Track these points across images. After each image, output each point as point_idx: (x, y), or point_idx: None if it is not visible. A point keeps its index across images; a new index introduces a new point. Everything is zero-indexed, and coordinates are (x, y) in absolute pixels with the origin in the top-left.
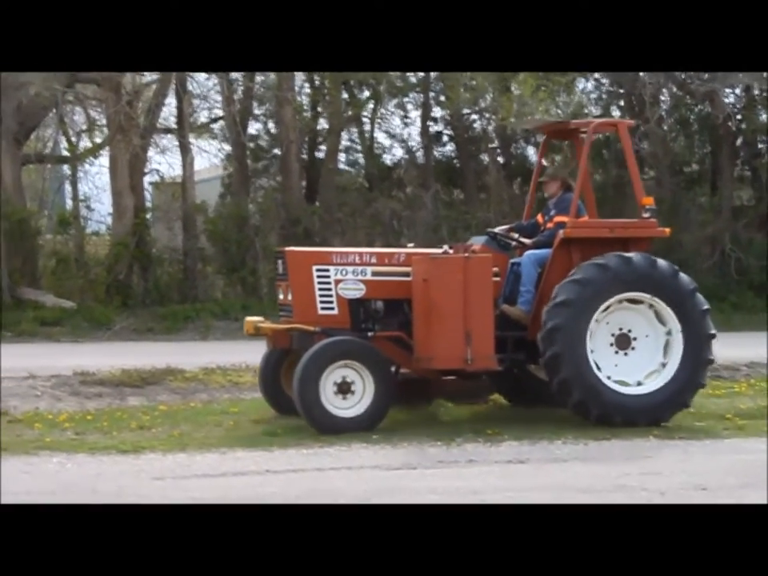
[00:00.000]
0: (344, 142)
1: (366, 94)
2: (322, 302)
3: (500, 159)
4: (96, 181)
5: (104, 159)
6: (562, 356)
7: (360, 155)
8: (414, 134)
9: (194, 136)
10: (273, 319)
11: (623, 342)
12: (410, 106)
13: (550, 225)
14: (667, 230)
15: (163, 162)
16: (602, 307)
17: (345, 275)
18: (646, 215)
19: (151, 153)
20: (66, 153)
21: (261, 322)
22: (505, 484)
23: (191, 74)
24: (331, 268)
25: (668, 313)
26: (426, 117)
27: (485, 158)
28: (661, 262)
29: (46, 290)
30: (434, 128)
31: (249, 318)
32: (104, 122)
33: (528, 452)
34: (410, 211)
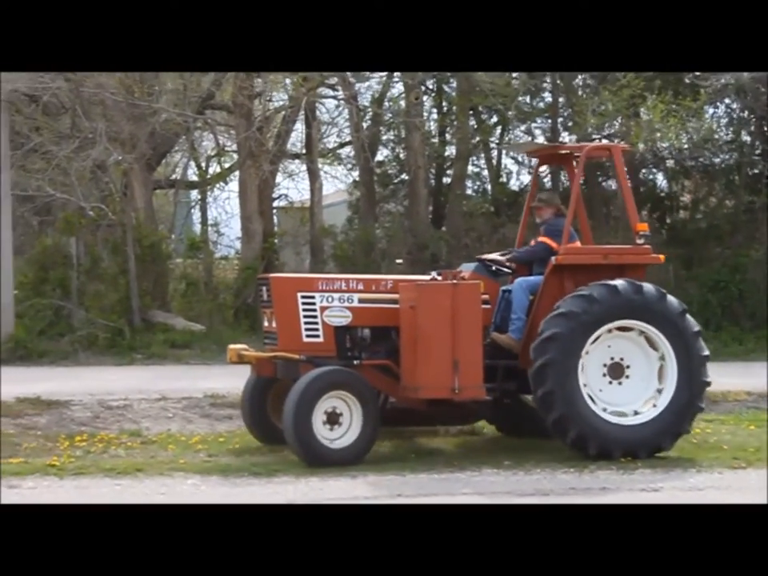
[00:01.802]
0: (471, 168)
1: (494, 119)
2: (307, 329)
3: (628, 185)
4: (225, 206)
5: (233, 184)
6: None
7: (487, 181)
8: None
9: (322, 161)
10: (257, 347)
11: (616, 371)
12: (537, 132)
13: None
14: (662, 256)
15: (291, 186)
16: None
17: (331, 302)
18: (640, 241)
19: (279, 178)
20: (195, 178)
21: (244, 349)
22: None
23: (320, 99)
24: (317, 295)
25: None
26: (553, 142)
27: (612, 184)
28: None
29: (175, 313)
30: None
31: (232, 346)
32: (233, 147)
33: (662, 480)
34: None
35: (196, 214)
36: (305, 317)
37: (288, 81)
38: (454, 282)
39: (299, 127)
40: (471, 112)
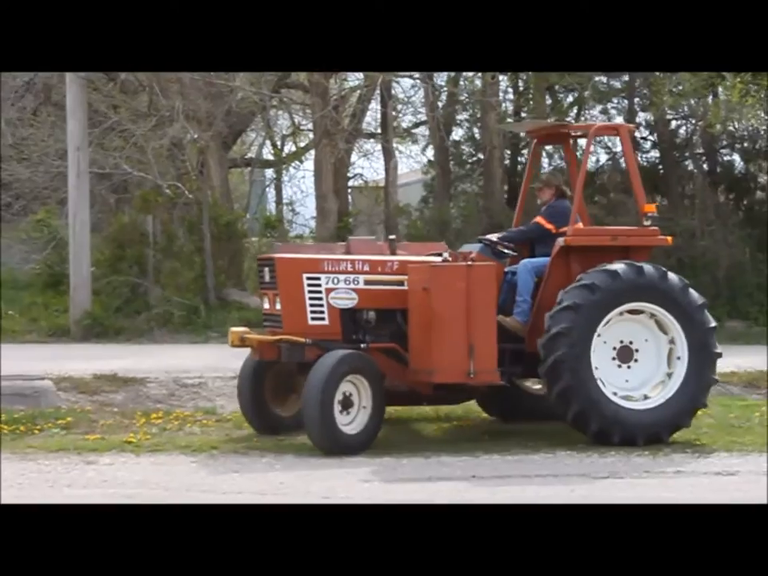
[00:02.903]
0: (547, 147)
1: (570, 99)
2: (312, 311)
3: (705, 166)
4: (300, 185)
5: (308, 163)
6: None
7: (563, 161)
8: (616, 139)
9: (398, 141)
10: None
11: (625, 354)
12: (613, 111)
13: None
14: (669, 238)
15: (366, 165)
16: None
17: (336, 284)
18: (647, 223)
19: (354, 157)
20: (270, 157)
21: (246, 332)
22: (715, 497)
23: (396, 78)
24: (322, 276)
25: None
26: (630, 122)
27: (689, 164)
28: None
29: (250, 291)
30: (638, 134)
31: (233, 329)
32: (308, 126)
33: (738, 464)
34: (613, 217)
35: (271, 193)
36: (310, 299)
37: None
38: (469, 263)
39: (374, 106)
40: (547, 92)
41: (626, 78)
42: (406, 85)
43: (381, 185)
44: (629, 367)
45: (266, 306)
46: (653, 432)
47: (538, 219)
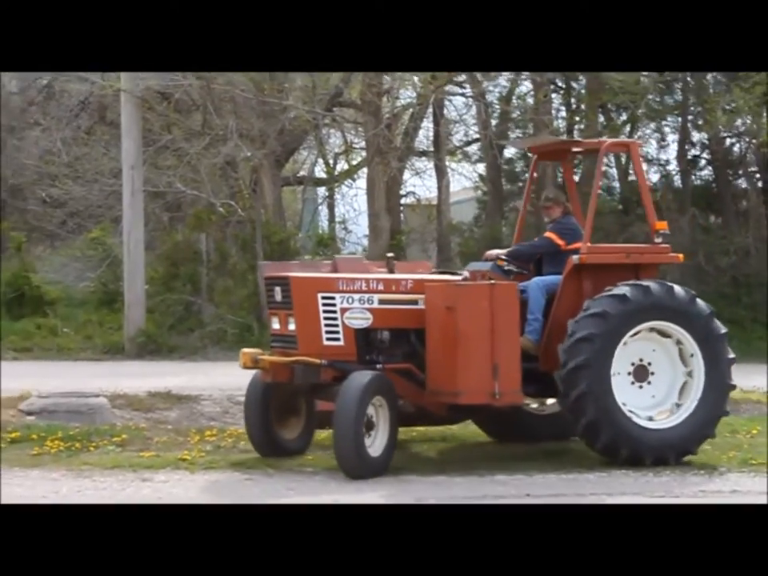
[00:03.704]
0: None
1: (624, 117)
2: (327, 332)
3: (759, 184)
4: (352, 203)
5: (361, 182)
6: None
7: (615, 179)
8: (670, 157)
9: (450, 159)
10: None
11: (641, 373)
12: (667, 129)
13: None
14: (680, 255)
15: (419, 183)
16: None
17: (351, 303)
18: (658, 240)
19: (407, 175)
20: (323, 175)
21: (259, 354)
22: None
23: (448, 97)
24: (337, 296)
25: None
26: (683, 140)
27: (743, 182)
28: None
29: None
30: (691, 152)
31: (245, 350)
32: (361, 144)
33: None
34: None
35: (324, 211)
36: (325, 319)
37: (416, 78)
38: (492, 282)
39: (427, 124)
40: (600, 110)
41: (678, 95)
42: (458, 103)
43: (433, 203)
44: (649, 383)
45: (276, 326)
46: (681, 449)
47: (549, 234)
